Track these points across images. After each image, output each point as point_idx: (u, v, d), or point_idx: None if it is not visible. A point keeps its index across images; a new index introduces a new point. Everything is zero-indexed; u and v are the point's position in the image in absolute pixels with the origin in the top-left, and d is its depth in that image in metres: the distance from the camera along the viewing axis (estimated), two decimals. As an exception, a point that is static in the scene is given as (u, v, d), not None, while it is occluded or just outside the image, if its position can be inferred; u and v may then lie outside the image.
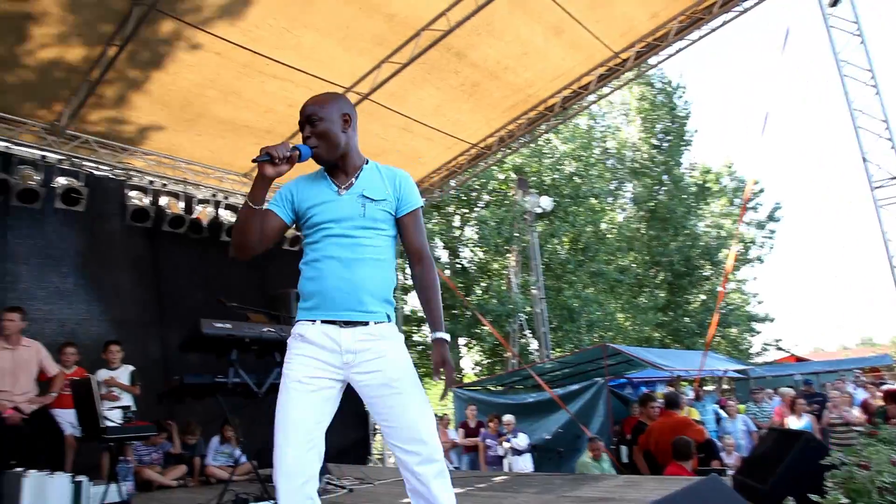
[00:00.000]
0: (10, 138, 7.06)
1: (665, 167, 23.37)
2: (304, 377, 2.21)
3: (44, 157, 7.28)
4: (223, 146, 8.27)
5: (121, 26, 6.09)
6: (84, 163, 7.64)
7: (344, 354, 2.22)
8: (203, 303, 7.04)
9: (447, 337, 2.35)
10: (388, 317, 2.31)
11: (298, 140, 2.38)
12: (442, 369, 2.28)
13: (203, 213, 8.38)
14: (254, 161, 2.19)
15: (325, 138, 2.33)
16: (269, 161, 2.17)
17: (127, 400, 6.67)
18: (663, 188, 23.41)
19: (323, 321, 2.24)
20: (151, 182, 8.13)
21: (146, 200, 7.90)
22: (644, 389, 11.45)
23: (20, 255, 7.11)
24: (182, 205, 8.24)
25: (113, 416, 6.23)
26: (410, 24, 6.78)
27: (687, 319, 22.75)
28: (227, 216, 8.62)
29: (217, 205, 8.62)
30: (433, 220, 19.13)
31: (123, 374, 6.79)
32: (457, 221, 19.94)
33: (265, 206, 2.29)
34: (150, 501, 5.57)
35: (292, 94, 7.45)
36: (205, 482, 7.09)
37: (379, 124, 8.25)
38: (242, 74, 7.02)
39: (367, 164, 2.44)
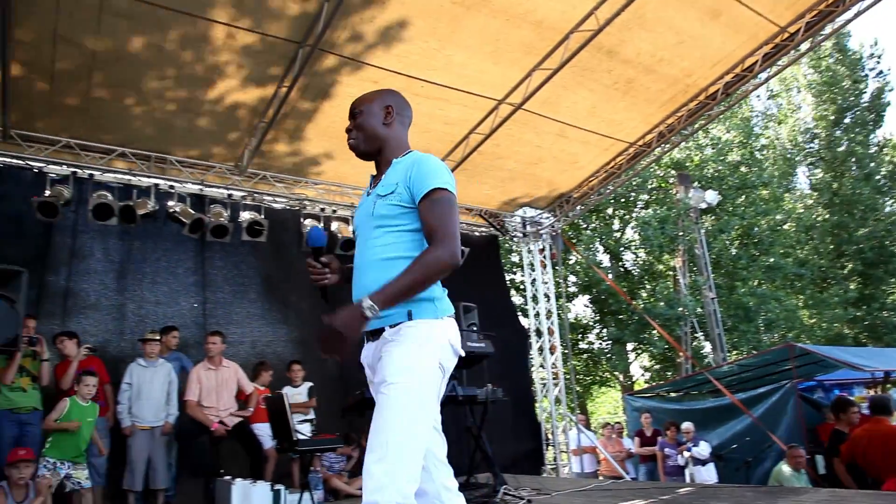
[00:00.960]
0: (202, 181, 7.88)
1: (848, 147, 21.16)
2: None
3: (230, 195, 8.05)
4: (384, 169, 8.63)
5: (289, 68, 6.60)
6: (264, 197, 8.36)
7: (367, 365, 2.16)
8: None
9: (368, 307, 1.94)
10: (410, 314, 2.05)
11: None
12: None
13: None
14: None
15: (362, 129, 2.28)
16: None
17: (311, 414, 7.16)
18: (847, 170, 21.21)
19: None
20: (323, 209, 8.69)
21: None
22: (837, 393, 10.37)
23: (217, 284, 7.92)
24: (352, 228, 8.68)
25: (303, 429, 6.70)
26: (558, 28, 6.70)
27: (886, 314, 20.36)
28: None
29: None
30: (592, 225, 18.72)
31: (304, 390, 7.30)
32: (616, 224, 19.36)
33: None
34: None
35: (447, 113, 7.65)
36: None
37: (534, 132, 8.23)
38: (399, 99, 7.29)
39: (403, 156, 2.24)
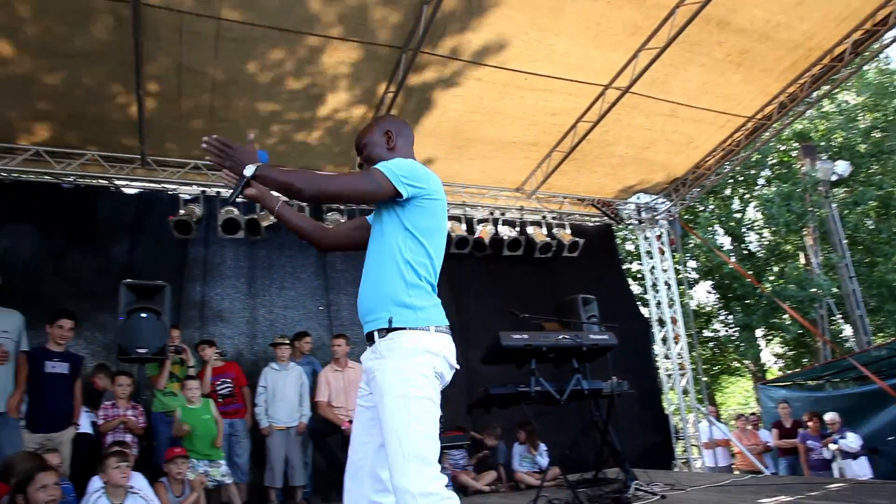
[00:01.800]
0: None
1: None
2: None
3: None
4: (494, 165, 8.66)
5: (392, 74, 6.75)
6: (378, 202, 8.56)
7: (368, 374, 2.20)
8: (497, 316, 7.42)
9: (249, 169, 2.09)
10: (390, 321, 2.13)
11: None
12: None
13: (484, 231, 8.84)
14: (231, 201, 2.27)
15: (370, 161, 2.40)
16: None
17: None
18: None
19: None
20: (434, 209, 8.80)
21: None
22: None
23: (340, 288, 8.26)
24: (464, 227, 8.78)
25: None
26: (663, 4, 6.43)
27: None
28: (507, 231, 9.03)
29: (496, 222, 9.05)
30: (710, 207, 17.87)
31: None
32: (736, 204, 18.37)
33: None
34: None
35: (553, 103, 7.55)
36: (514, 487, 7.36)
37: (643, 116, 7.97)
38: (503, 94, 7.29)
39: None
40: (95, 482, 4.28)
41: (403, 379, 2.05)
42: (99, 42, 5.86)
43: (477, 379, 8.17)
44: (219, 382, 6.38)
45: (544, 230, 9.15)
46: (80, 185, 7.67)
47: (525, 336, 5.16)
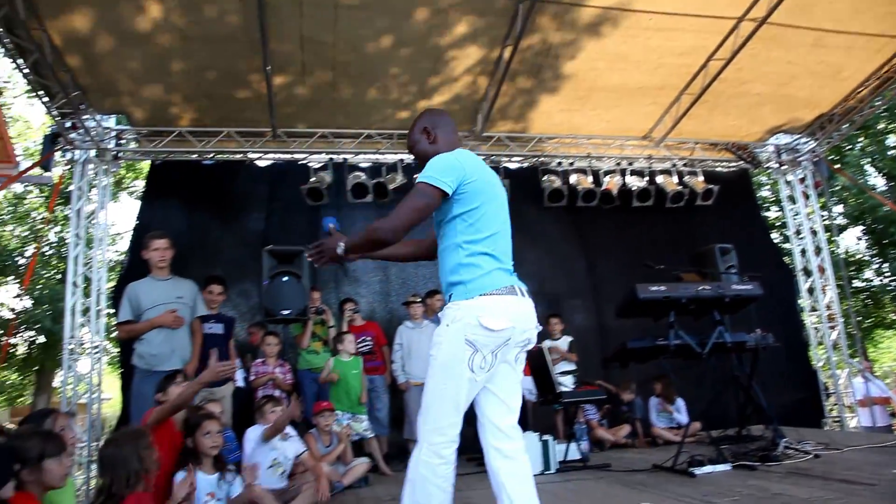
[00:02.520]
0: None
1: None
2: None
3: (469, 160, 8.37)
4: (618, 114, 8.32)
5: (511, 27, 6.60)
6: (501, 158, 8.52)
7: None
8: (629, 269, 7.23)
9: (341, 246, 2.57)
10: (450, 297, 2.50)
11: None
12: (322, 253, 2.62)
13: (612, 182, 8.59)
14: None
15: (418, 156, 2.77)
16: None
17: (571, 367, 7.23)
18: None
19: None
20: (559, 163, 8.65)
21: (558, 182, 8.42)
22: None
23: None
24: (590, 179, 8.55)
25: (565, 381, 6.80)
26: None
27: None
28: (635, 182, 8.71)
29: (623, 173, 8.75)
30: (859, 145, 16.31)
31: (563, 343, 7.39)
32: (892, 140, 16.63)
33: None
34: (607, 460, 5.84)
35: (680, 43, 7.12)
36: (651, 443, 7.23)
37: (783, 48, 7.31)
38: (626, 37, 6.94)
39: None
40: (255, 429, 4.64)
41: (436, 343, 2.46)
42: (227, 25, 6.17)
43: (609, 334, 8.07)
44: (359, 341, 6.66)
45: (675, 179, 8.72)
46: (219, 161, 8.22)
47: (663, 288, 4.97)
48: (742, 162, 9.51)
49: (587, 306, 8.54)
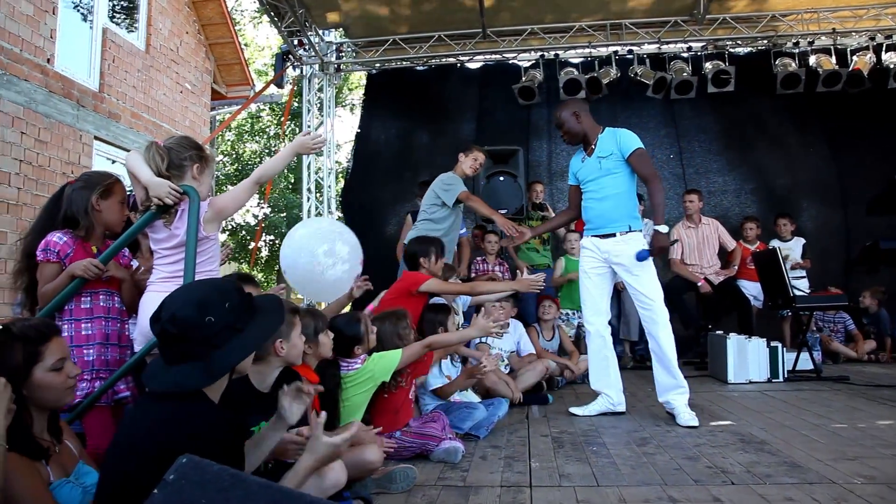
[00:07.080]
0: (659, 38, 7.70)
1: None
2: (584, 268, 3.93)
3: (689, 47, 7.70)
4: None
5: None
6: (726, 43, 7.72)
7: (601, 254, 3.81)
8: (880, 161, 6.34)
9: (663, 229, 3.65)
10: (630, 227, 3.73)
11: None
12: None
13: (861, 61, 7.39)
14: None
15: (568, 133, 3.89)
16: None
17: (801, 273, 6.56)
18: None
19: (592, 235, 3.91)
20: (796, 43, 7.61)
21: (793, 65, 7.45)
22: None
23: (691, 135, 8.01)
24: (833, 59, 7.45)
25: (800, 285, 6.24)
26: None
27: None
28: (892, 58, 7.40)
29: (878, 49, 7.47)
30: None
31: (796, 246, 6.71)
32: None
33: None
34: (844, 373, 5.30)
35: None
36: (896, 358, 6.46)
37: None
38: None
39: (602, 132, 3.82)
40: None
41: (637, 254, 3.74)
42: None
43: (855, 236, 7.17)
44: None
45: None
46: (431, 66, 8.38)
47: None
48: None
49: (828, 203, 7.63)
